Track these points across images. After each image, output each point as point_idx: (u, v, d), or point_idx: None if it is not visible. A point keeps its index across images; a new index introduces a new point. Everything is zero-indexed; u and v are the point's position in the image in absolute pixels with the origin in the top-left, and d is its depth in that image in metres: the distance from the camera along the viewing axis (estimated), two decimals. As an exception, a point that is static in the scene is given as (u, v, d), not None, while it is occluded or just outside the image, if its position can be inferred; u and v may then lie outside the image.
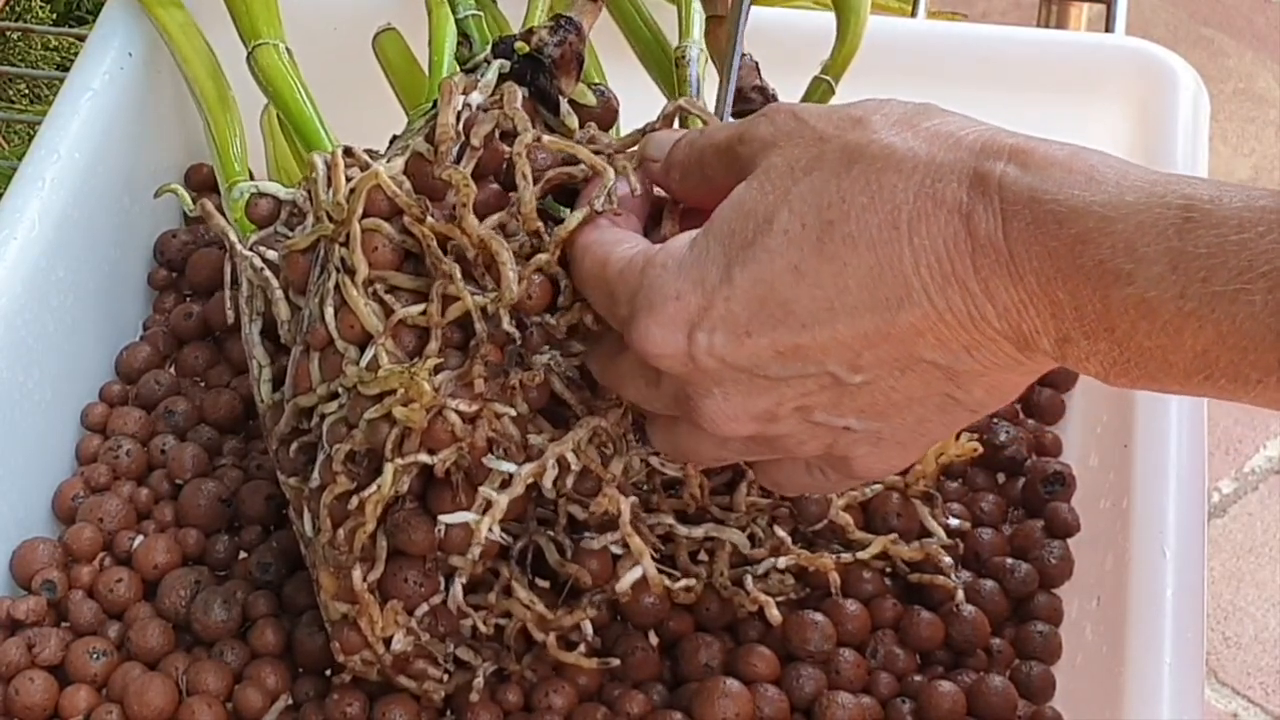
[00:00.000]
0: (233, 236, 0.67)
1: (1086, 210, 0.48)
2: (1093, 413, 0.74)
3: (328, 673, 0.64)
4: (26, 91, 1.08)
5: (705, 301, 0.52)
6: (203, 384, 0.76)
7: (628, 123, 0.65)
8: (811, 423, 0.53)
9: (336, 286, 0.60)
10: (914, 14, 0.93)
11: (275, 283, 0.65)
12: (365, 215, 0.60)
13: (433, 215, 0.59)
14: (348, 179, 0.62)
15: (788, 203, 0.51)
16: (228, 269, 0.69)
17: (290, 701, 0.64)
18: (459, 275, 0.58)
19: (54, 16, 1.11)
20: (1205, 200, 0.47)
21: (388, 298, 0.60)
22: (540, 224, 0.59)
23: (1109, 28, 0.95)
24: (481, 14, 0.69)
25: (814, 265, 0.50)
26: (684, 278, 0.52)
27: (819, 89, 0.70)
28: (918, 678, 0.66)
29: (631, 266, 0.54)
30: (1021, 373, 0.52)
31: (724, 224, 0.52)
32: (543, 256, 0.58)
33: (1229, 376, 0.47)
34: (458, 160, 0.60)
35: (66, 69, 0.88)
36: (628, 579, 0.61)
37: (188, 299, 0.79)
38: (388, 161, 0.61)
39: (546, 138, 0.61)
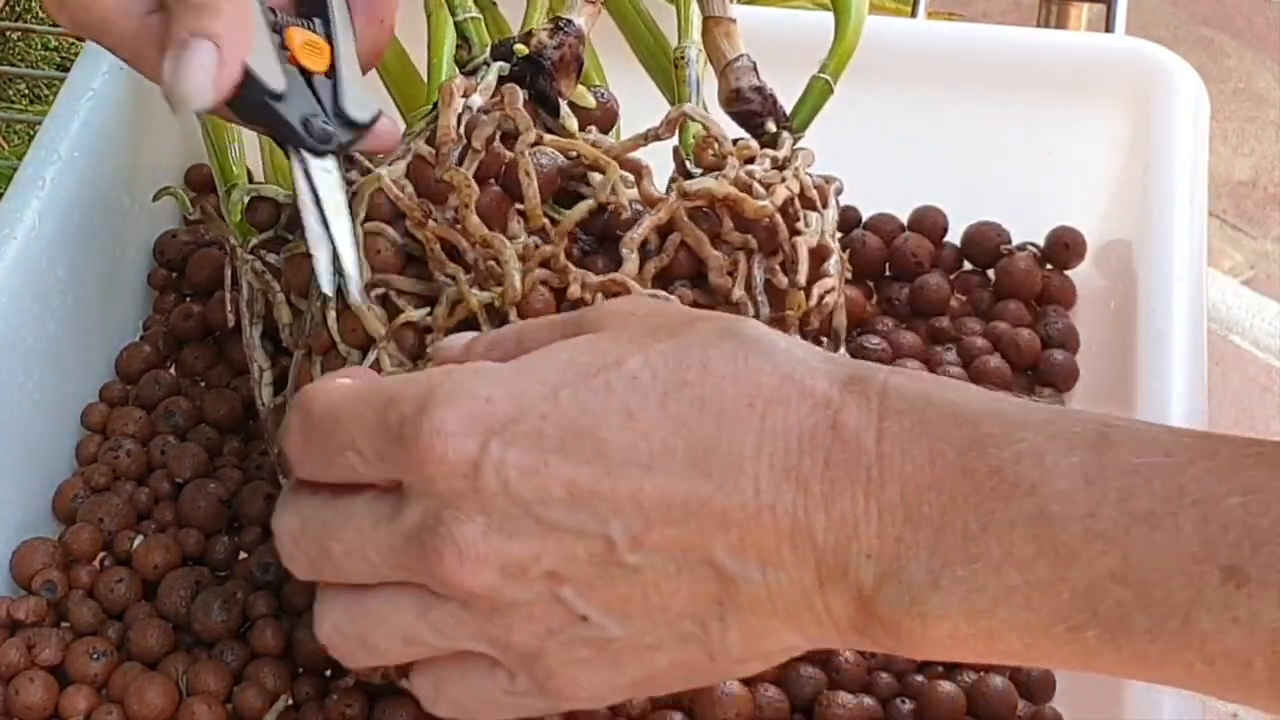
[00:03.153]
0: (234, 240, 0.67)
1: (990, 414, 0.45)
2: (1093, 413, 0.74)
3: (328, 673, 0.64)
4: (26, 91, 1.08)
5: (517, 413, 0.46)
6: (203, 384, 0.76)
7: (629, 124, 0.65)
8: (553, 597, 0.47)
9: (339, 289, 0.60)
10: (914, 14, 0.93)
11: (277, 286, 0.65)
12: (367, 219, 0.60)
13: (435, 218, 0.59)
14: (349, 183, 0.62)
15: (645, 352, 0.47)
16: (228, 272, 0.69)
17: (290, 702, 0.64)
18: (463, 277, 0.58)
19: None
20: (1120, 422, 0.44)
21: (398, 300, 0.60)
22: (546, 220, 0.59)
23: (1109, 28, 0.95)
24: (480, 17, 0.69)
25: (651, 415, 0.46)
26: (500, 385, 0.47)
27: (817, 86, 0.70)
28: (918, 678, 0.66)
29: (428, 373, 0.49)
30: (795, 628, 0.46)
31: (564, 351, 0.48)
32: (548, 249, 0.58)
33: (1107, 626, 0.43)
34: (459, 163, 0.60)
35: (66, 69, 0.88)
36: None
37: (188, 299, 0.79)
38: (389, 165, 0.61)
39: (548, 136, 0.61)
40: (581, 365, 0.47)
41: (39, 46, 1.09)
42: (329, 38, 0.59)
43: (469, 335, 0.54)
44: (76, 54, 0.81)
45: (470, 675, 0.50)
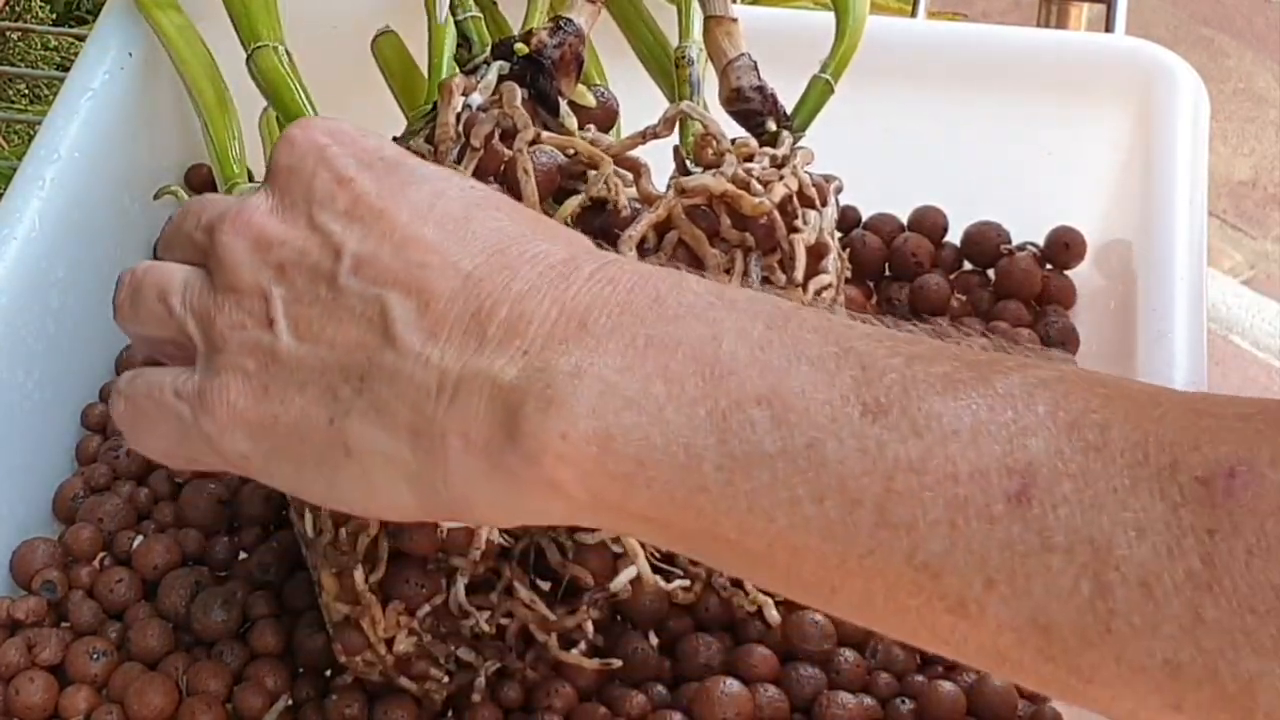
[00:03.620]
0: None
1: (708, 286, 0.46)
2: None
3: (328, 673, 0.64)
4: (26, 91, 1.08)
5: (372, 146, 0.51)
6: (203, 384, 0.76)
7: (631, 124, 0.65)
8: (265, 293, 0.49)
9: None
10: (914, 14, 0.93)
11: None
12: None
13: None
14: None
15: (499, 199, 0.50)
16: None
17: (290, 702, 0.64)
18: None
19: (54, 16, 1.11)
20: (821, 311, 0.46)
21: None
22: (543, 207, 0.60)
23: (1109, 28, 0.95)
24: (481, 16, 0.69)
25: (452, 204, 0.49)
26: (380, 135, 0.52)
27: (818, 86, 0.70)
28: (918, 677, 0.66)
29: None
30: (403, 445, 0.46)
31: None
32: None
33: (741, 436, 0.42)
34: (458, 161, 0.60)
35: (66, 69, 0.88)
36: (623, 577, 0.61)
37: (188, 299, 0.79)
38: None
39: (546, 134, 0.61)
40: (445, 170, 0.51)
41: (39, 46, 1.09)
42: None
43: None
44: (76, 54, 0.81)
45: (161, 373, 0.52)
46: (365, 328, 0.47)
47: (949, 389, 0.41)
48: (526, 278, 0.46)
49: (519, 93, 0.62)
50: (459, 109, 0.61)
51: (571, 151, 0.62)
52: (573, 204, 0.59)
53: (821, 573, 0.42)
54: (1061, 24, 1.00)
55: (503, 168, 0.61)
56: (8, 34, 1.08)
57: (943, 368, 0.42)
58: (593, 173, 0.62)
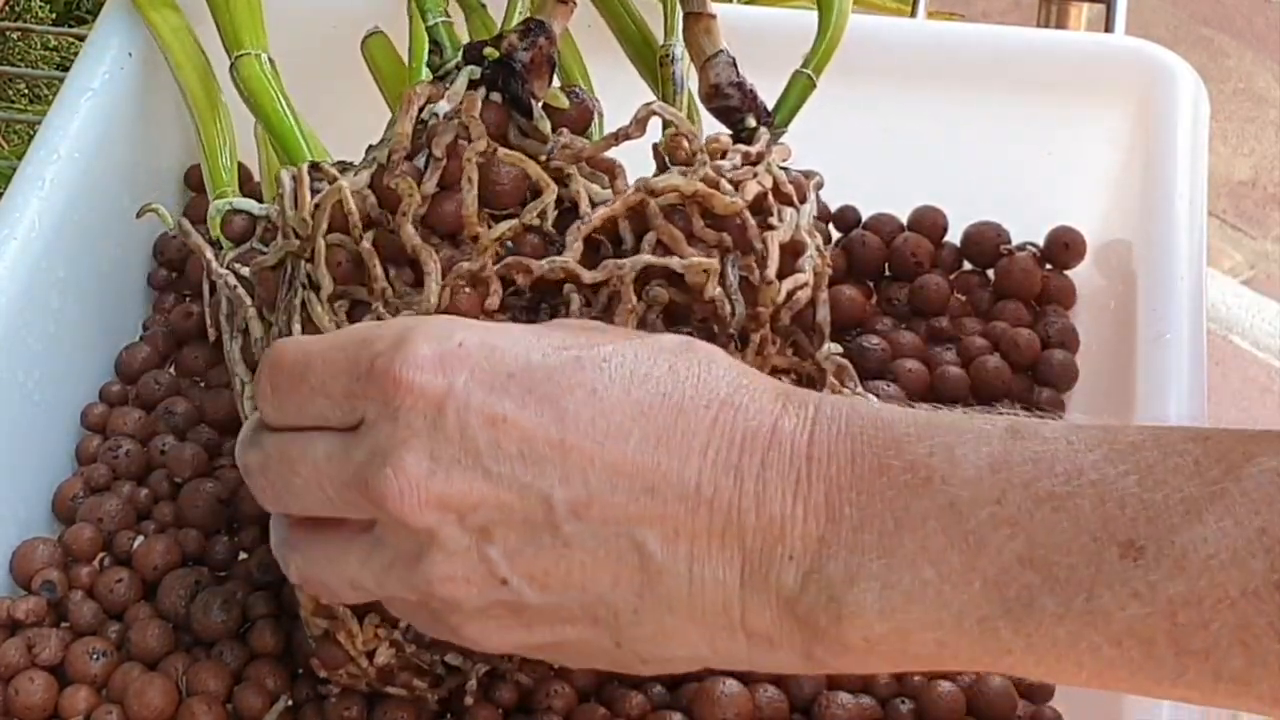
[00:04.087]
0: (208, 254, 0.67)
1: (907, 418, 0.47)
2: (1093, 414, 0.74)
3: (324, 675, 0.64)
4: (26, 91, 1.08)
5: (488, 364, 0.48)
6: (203, 384, 0.76)
7: (620, 122, 0.65)
8: (480, 553, 0.48)
9: (303, 303, 0.60)
10: (913, 14, 0.93)
11: (248, 300, 0.64)
12: (331, 230, 0.60)
13: (390, 227, 0.59)
14: (314, 193, 0.61)
15: (618, 344, 0.49)
16: (206, 285, 0.69)
17: (290, 702, 0.64)
18: (390, 292, 0.58)
19: (54, 16, 1.11)
20: (1032, 421, 0.46)
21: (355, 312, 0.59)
22: (480, 229, 0.59)
23: (1109, 28, 0.95)
24: (452, 21, 0.68)
25: (615, 396, 0.47)
26: (473, 333, 0.49)
27: (800, 83, 0.70)
28: (917, 678, 0.66)
29: (403, 317, 0.51)
30: (710, 633, 0.47)
31: (550, 329, 0.50)
32: (464, 265, 0.58)
33: (1016, 611, 0.44)
34: (424, 170, 0.60)
35: (66, 69, 0.88)
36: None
37: (188, 299, 0.79)
38: (355, 175, 0.60)
39: (501, 150, 0.60)
40: (556, 339, 0.49)
41: (39, 46, 1.09)
42: None
43: None
44: (76, 54, 0.81)
45: (408, 610, 0.52)
46: (617, 566, 0.47)
47: (1192, 513, 0.43)
48: (753, 473, 0.47)
49: (478, 101, 0.61)
50: (424, 116, 0.61)
51: (542, 158, 0.62)
52: (502, 229, 0.59)
53: (1140, 691, 0.45)
54: (1061, 24, 1.00)
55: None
56: (8, 34, 1.08)
57: (1178, 485, 0.44)
58: (575, 181, 0.61)
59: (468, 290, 0.58)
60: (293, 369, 0.51)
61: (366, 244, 0.59)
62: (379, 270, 0.59)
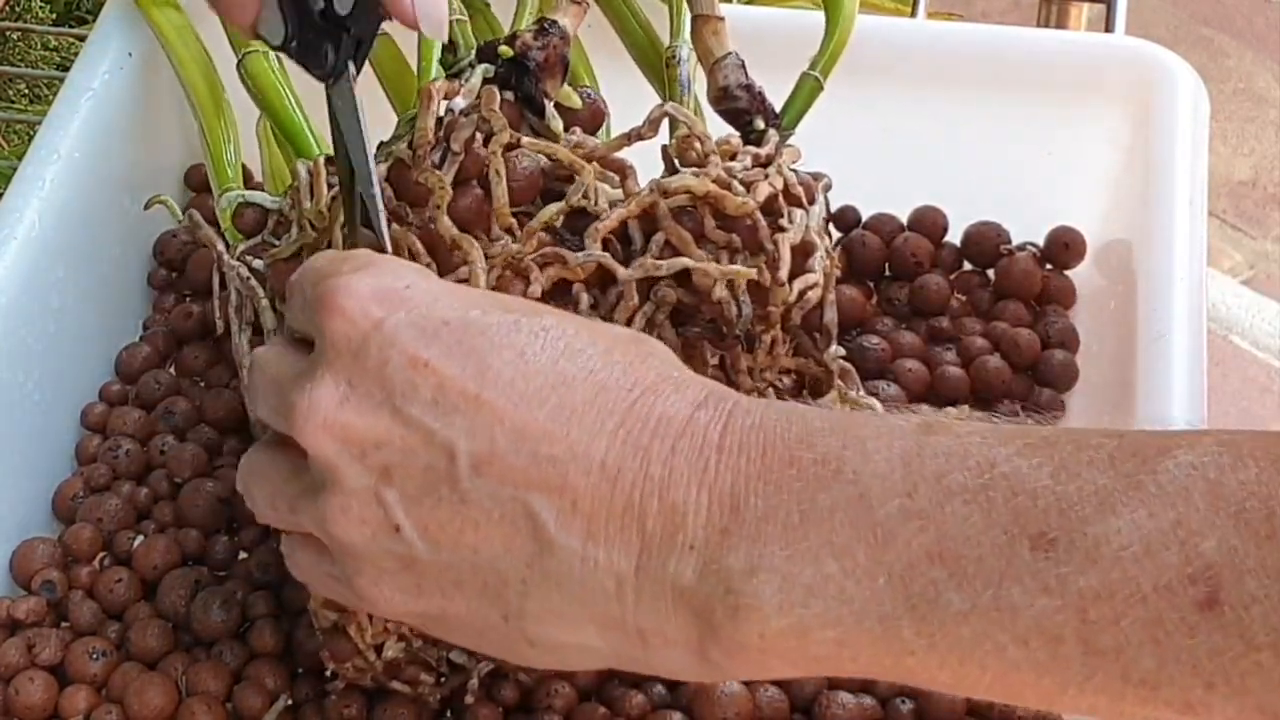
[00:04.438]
0: (220, 246, 0.67)
1: (821, 414, 0.46)
2: (1093, 414, 0.74)
3: (327, 673, 0.64)
4: (26, 91, 1.08)
5: (425, 307, 0.48)
6: (203, 384, 0.76)
7: (626, 124, 0.65)
8: (376, 496, 0.48)
9: None
10: (914, 14, 0.93)
11: (261, 292, 0.65)
12: (346, 223, 0.60)
13: (411, 221, 0.59)
14: (330, 187, 0.62)
15: (560, 319, 0.49)
16: (216, 278, 0.69)
17: (290, 702, 0.64)
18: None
19: (54, 16, 1.11)
20: (946, 420, 0.46)
21: None
22: (514, 221, 0.60)
23: (1109, 28, 0.95)
24: (467, 19, 0.69)
25: (541, 363, 0.47)
26: (426, 281, 0.49)
27: (807, 84, 0.70)
28: (918, 678, 0.66)
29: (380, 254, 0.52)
30: (597, 621, 0.47)
31: (509, 297, 0.50)
32: (513, 248, 0.58)
33: (920, 610, 0.43)
34: (439, 166, 0.60)
35: (66, 69, 0.88)
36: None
37: (188, 299, 0.79)
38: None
39: (526, 139, 0.61)
40: (503, 303, 0.49)
41: (39, 46, 1.09)
42: None
43: None
44: (76, 54, 0.81)
45: (310, 553, 0.52)
46: (511, 531, 0.47)
47: (1106, 505, 0.42)
48: (661, 457, 0.46)
49: (498, 96, 0.61)
50: (439, 114, 0.61)
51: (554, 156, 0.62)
52: (549, 212, 0.59)
53: (1045, 700, 0.43)
54: (1061, 24, 1.00)
55: (485, 172, 0.61)
56: (8, 34, 1.08)
57: (1091, 477, 0.43)
58: (577, 177, 0.62)
59: (510, 276, 0.58)
60: (291, 283, 0.52)
61: (399, 234, 0.59)
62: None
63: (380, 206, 0.58)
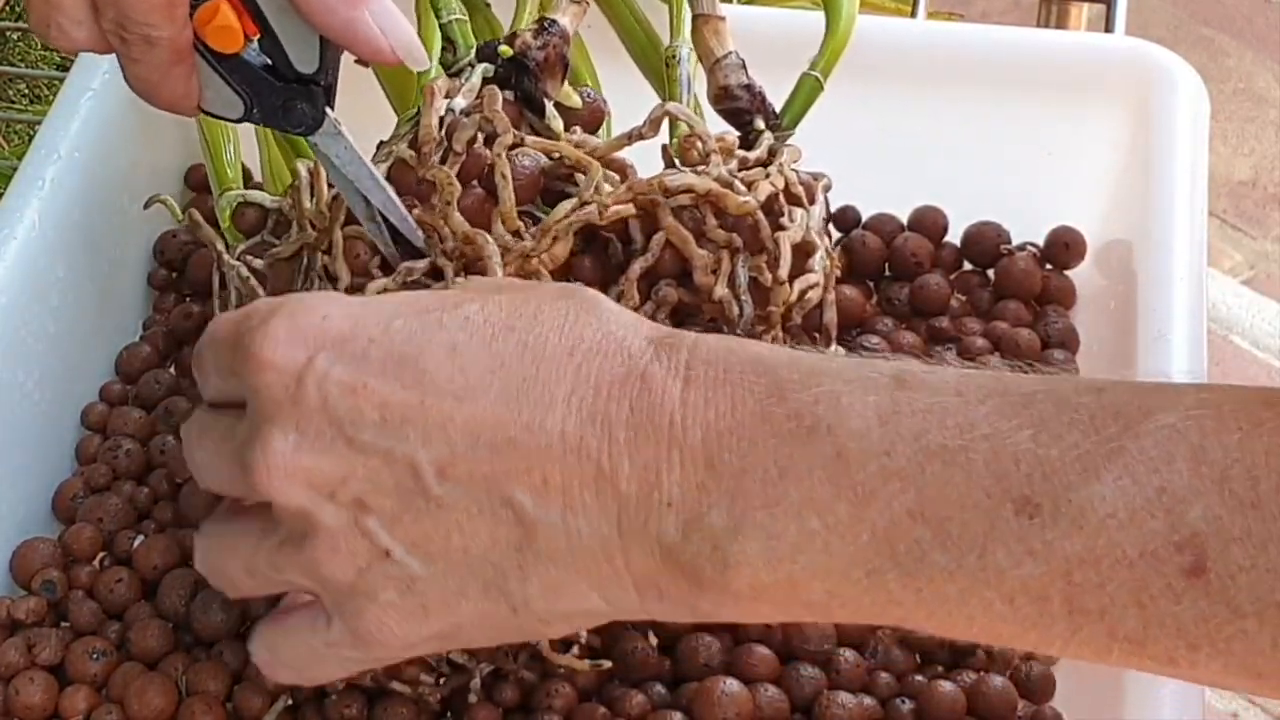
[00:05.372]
0: (220, 245, 0.67)
1: (790, 363, 0.45)
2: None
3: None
4: (26, 91, 1.08)
5: (349, 333, 0.47)
6: (203, 384, 0.76)
7: (625, 124, 0.65)
8: (358, 528, 0.47)
9: None
10: (914, 14, 0.93)
11: (261, 292, 0.65)
12: (347, 223, 0.60)
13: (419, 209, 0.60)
14: (330, 187, 0.62)
15: (483, 300, 0.48)
16: (216, 278, 0.69)
17: (290, 702, 0.64)
18: (450, 273, 0.59)
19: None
20: (920, 370, 0.45)
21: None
22: (520, 224, 0.60)
23: (1109, 28, 0.95)
24: (466, 19, 0.69)
25: (474, 351, 0.47)
26: (341, 306, 0.49)
27: (807, 84, 0.70)
28: (918, 678, 0.66)
29: (288, 295, 0.50)
30: (595, 582, 0.47)
31: (413, 293, 0.50)
32: (527, 244, 0.58)
33: (906, 566, 0.43)
34: (442, 163, 0.60)
35: (66, 69, 0.88)
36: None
37: (188, 299, 0.79)
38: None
39: (529, 138, 0.61)
40: (422, 303, 0.49)
41: (39, 46, 1.10)
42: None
43: None
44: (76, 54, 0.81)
45: (294, 631, 0.51)
46: (494, 524, 0.47)
47: (1090, 470, 0.42)
48: (622, 419, 0.46)
49: (500, 96, 0.61)
50: (442, 112, 0.61)
51: (556, 155, 0.62)
52: (564, 209, 0.59)
53: (1034, 648, 0.44)
54: (1061, 24, 1.00)
55: (486, 171, 0.61)
56: (8, 34, 1.08)
57: (1074, 440, 0.42)
58: (582, 177, 0.62)
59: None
60: (199, 347, 0.52)
61: (419, 218, 0.59)
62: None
63: (412, 224, 0.59)
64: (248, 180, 0.78)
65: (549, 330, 0.47)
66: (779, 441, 0.44)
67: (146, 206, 0.76)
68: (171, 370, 0.77)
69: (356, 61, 0.58)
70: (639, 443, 0.45)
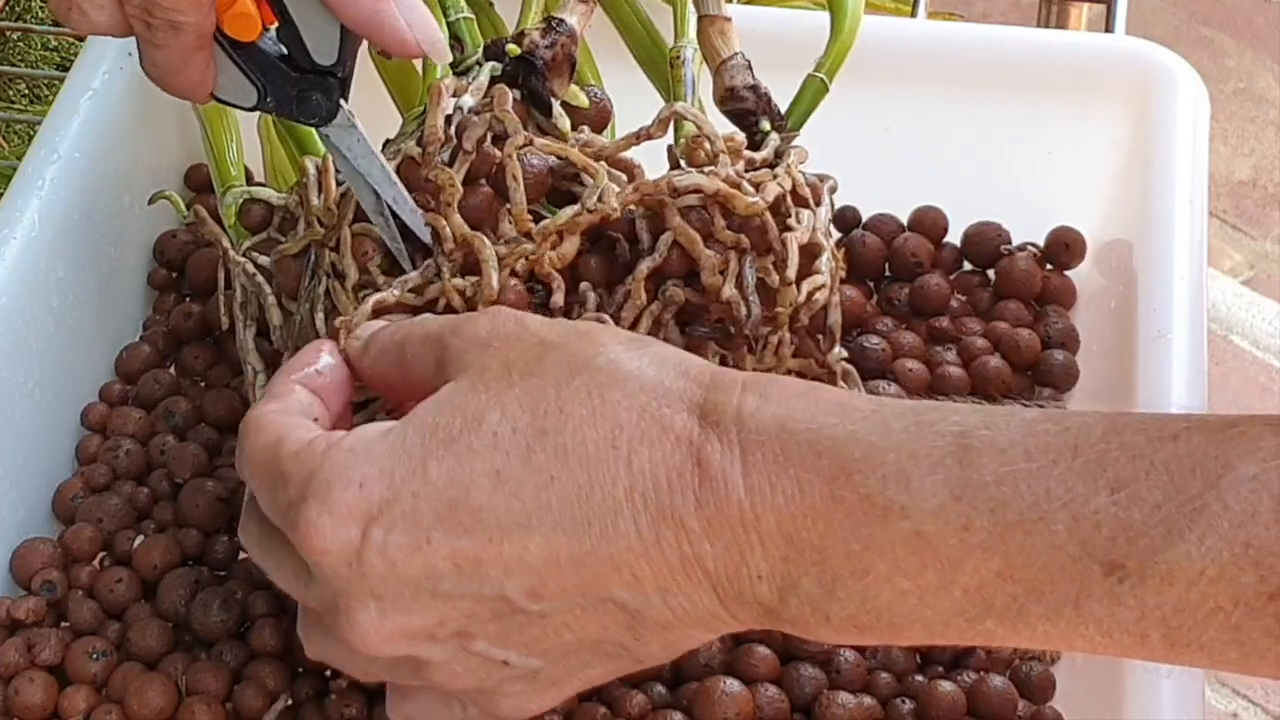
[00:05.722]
0: (225, 242, 0.67)
1: (849, 439, 0.45)
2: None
3: (327, 673, 0.64)
4: (26, 91, 1.08)
5: (391, 495, 0.47)
6: (203, 384, 0.76)
7: (627, 125, 0.65)
8: (469, 652, 0.48)
9: (327, 292, 0.60)
10: (914, 14, 0.93)
11: (268, 288, 0.65)
12: (355, 220, 0.60)
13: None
14: (338, 184, 0.62)
15: (501, 405, 0.47)
16: (222, 274, 0.69)
17: (290, 702, 0.64)
18: (448, 273, 0.59)
19: (54, 16, 1.11)
20: (981, 427, 0.45)
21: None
22: (533, 225, 0.60)
23: (1109, 28, 0.95)
24: (474, 17, 0.69)
25: (518, 473, 0.46)
26: (372, 465, 0.47)
27: (812, 85, 0.70)
28: (918, 678, 0.66)
29: (312, 448, 0.49)
30: (709, 630, 0.48)
31: (428, 416, 0.48)
32: (528, 247, 0.58)
33: (1004, 615, 0.44)
34: (449, 164, 0.60)
35: (66, 69, 0.88)
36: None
37: (188, 299, 0.79)
38: None
39: (538, 140, 0.61)
40: (444, 430, 0.47)
41: (39, 46, 1.09)
42: None
43: (373, 326, 0.55)
44: (76, 54, 0.81)
45: (433, 705, 0.52)
46: (601, 617, 0.48)
47: (1174, 532, 0.42)
48: (690, 509, 0.46)
49: (510, 96, 0.61)
50: (449, 111, 0.61)
51: (563, 155, 0.62)
52: (566, 215, 0.59)
53: (1146, 659, 0.45)
54: (1061, 24, 1.00)
55: (494, 171, 0.61)
56: (8, 34, 1.08)
57: (1155, 501, 0.43)
58: (587, 178, 0.62)
59: (516, 285, 0.59)
60: (244, 463, 0.51)
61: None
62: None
63: (421, 219, 0.59)
64: (249, 181, 0.78)
65: (581, 425, 0.47)
66: (855, 523, 0.45)
67: (151, 202, 0.76)
68: (171, 370, 0.77)
69: (379, 53, 0.58)
70: (714, 530, 0.46)
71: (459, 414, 0.48)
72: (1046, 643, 0.45)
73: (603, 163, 0.62)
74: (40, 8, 1.10)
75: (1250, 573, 0.42)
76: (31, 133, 0.98)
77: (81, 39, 0.89)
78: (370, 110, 0.70)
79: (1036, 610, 0.44)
